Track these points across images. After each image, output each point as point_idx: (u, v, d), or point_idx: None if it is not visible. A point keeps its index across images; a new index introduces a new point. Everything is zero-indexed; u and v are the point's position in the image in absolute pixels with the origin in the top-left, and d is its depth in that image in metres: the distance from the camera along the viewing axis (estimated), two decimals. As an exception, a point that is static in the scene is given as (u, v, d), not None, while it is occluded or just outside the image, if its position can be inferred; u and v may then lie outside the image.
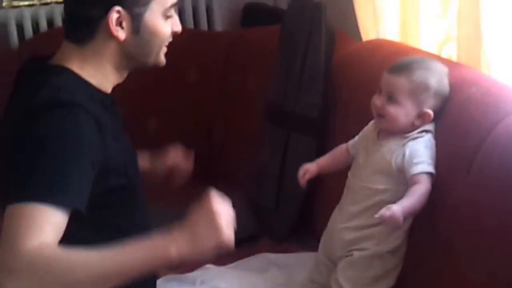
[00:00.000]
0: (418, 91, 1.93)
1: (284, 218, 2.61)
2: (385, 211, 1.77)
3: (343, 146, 2.16)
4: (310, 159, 2.41)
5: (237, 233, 2.55)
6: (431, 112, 1.94)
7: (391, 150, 1.95)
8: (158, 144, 3.11)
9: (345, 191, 2.10)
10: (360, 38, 2.79)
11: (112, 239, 1.53)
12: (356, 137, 2.13)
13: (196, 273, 2.34)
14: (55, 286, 1.48)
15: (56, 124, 1.59)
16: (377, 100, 1.98)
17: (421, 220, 1.97)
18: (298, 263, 2.37)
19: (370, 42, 2.70)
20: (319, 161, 2.20)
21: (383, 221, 1.79)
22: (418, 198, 1.83)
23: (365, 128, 2.11)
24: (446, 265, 1.88)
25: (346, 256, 2.02)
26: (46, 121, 1.59)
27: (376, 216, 1.79)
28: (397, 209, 1.77)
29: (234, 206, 2.72)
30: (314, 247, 2.37)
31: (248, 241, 2.57)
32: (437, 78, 1.96)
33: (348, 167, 2.12)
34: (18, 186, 1.53)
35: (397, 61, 2.03)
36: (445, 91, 1.97)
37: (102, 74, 1.78)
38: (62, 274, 1.47)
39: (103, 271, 1.50)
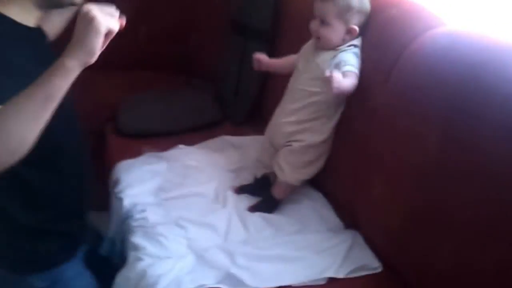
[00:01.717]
0: (343, 11, 1.67)
1: (241, 107, 2.35)
2: (335, 74, 1.54)
3: (292, 56, 1.89)
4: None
5: (204, 118, 2.35)
6: (356, 27, 1.69)
7: (324, 60, 1.71)
8: (148, 46, 2.84)
9: (286, 92, 1.86)
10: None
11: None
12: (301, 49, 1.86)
13: (171, 152, 2.10)
14: None
15: None
16: (313, 25, 1.73)
17: (346, 118, 1.76)
18: (250, 145, 2.14)
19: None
20: (271, 60, 1.93)
21: (331, 79, 1.53)
22: (351, 81, 1.61)
23: (308, 43, 1.83)
24: (363, 155, 1.67)
25: (287, 145, 1.80)
26: None
27: (326, 74, 1.55)
28: (342, 79, 1.56)
29: (203, 98, 2.49)
30: (264, 131, 2.15)
31: (213, 125, 2.33)
32: None
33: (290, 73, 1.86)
34: None
35: None
36: (366, 8, 1.72)
37: (24, 10, 1.36)
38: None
39: (26, 99, 1.14)
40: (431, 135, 1.38)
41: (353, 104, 1.70)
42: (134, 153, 2.10)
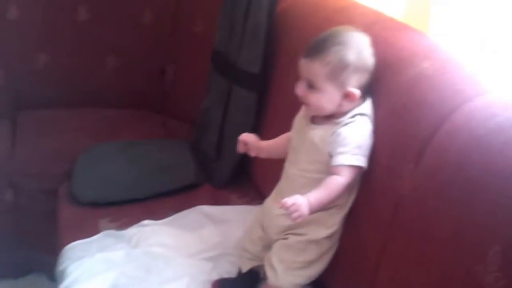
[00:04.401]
0: (336, 72, 1.24)
1: (224, 167, 1.88)
2: (288, 200, 1.16)
3: (286, 135, 1.44)
4: (250, 113, 1.80)
5: (179, 180, 1.89)
6: (355, 91, 1.25)
7: (322, 137, 1.28)
8: (117, 81, 2.38)
9: (282, 175, 1.40)
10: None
11: None
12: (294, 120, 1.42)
13: (133, 230, 1.64)
14: None
15: None
16: (299, 89, 1.30)
17: (362, 207, 1.29)
18: (235, 218, 1.68)
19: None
20: (261, 142, 1.46)
21: (285, 209, 1.17)
22: (329, 191, 1.22)
23: (300, 112, 1.40)
24: (382, 263, 1.20)
25: (282, 238, 1.35)
26: None
27: (279, 206, 1.18)
28: (302, 201, 1.18)
29: (179, 151, 2.03)
30: (252, 198, 1.80)
31: (190, 188, 1.86)
32: (355, 51, 1.25)
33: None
34: None
35: (312, 40, 1.30)
36: (368, 63, 1.27)
37: None
38: None
39: None
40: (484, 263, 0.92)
41: (371, 192, 1.25)
42: (90, 228, 1.65)
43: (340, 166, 1.22)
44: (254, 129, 1.77)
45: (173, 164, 1.91)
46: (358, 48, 1.25)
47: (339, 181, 1.22)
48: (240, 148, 1.44)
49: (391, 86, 1.27)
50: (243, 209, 1.72)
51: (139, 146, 2.02)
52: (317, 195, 1.21)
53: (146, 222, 1.66)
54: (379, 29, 1.37)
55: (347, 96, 1.25)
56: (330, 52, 1.24)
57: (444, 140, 1.10)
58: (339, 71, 1.23)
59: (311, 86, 1.26)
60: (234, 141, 1.78)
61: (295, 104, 1.51)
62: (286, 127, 1.47)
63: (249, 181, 1.87)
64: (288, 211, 1.16)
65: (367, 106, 1.28)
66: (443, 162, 1.08)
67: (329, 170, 1.23)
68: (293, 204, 1.16)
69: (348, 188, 1.25)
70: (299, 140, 1.34)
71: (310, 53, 1.27)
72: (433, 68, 1.23)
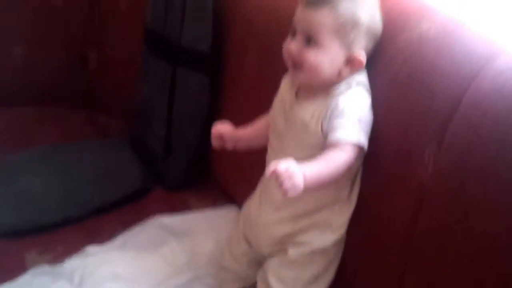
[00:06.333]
0: (347, 28, 1.04)
1: (178, 163, 1.64)
2: (280, 166, 0.93)
3: (265, 118, 1.22)
4: (203, 98, 1.57)
5: (123, 186, 1.63)
6: (363, 57, 1.05)
7: (314, 114, 1.06)
8: (28, 75, 2.08)
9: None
10: None
11: None
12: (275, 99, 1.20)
13: (74, 263, 1.35)
14: None
15: None
16: (292, 45, 1.06)
17: (373, 203, 1.11)
18: (201, 227, 1.45)
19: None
20: (239, 132, 1.22)
21: (275, 177, 0.93)
22: (327, 165, 1.00)
23: (282, 86, 1.18)
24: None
25: (279, 252, 1.15)
26: None
27: (267, 174, 0.94)
28: (296, 169, 0.94)
29: (118, 150, 1.78)
30: (215, 198, 1.60)
31: (138, 195, 1.61)
32: (369, 11, 1.06)
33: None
34: None
35: None
36: (378, 29, 1.09)
37: None
38: None
39: None
40: None
41: (376, 183, 1.07)
42: (14, 265, 1.35)
43: (339, 142, 1.01)
44: (209, 117, 1.56)
45: (113, 169, 1.64)
46: (372, 9, 1.07)
47: (341, 155, 1.00)
48: (215, 143, 1.20)
49: (387, 53, 1.09)
50: (207, 214, 1.50)
51: (65, 150, 1.71)
52: (313, 168, 0.98)
53: (90, 249, 1.38)
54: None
55: (352, 61, 1.05)
56: (342, 3, 1.03)
57: (472, 114, 0.93)
58: (350, 27, 1.03)
59: (311, 41, 1.04)
60: (186, 132, 1.60)
61: (259, 83, 1.34)
62: (249, 111, 1.29)
63: (208, 178, 1.65)
64: (279, 180, 0.93)
65: (363, 75, 1.09)
66: (477, 140, 0.91)
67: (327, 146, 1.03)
68: (286, 170, 0.93)
69: (349, 174, 1.06)
70: (284, 123, 1.12)
71: (317, 0, 1.04)
72: (435, 30, 1.05)
